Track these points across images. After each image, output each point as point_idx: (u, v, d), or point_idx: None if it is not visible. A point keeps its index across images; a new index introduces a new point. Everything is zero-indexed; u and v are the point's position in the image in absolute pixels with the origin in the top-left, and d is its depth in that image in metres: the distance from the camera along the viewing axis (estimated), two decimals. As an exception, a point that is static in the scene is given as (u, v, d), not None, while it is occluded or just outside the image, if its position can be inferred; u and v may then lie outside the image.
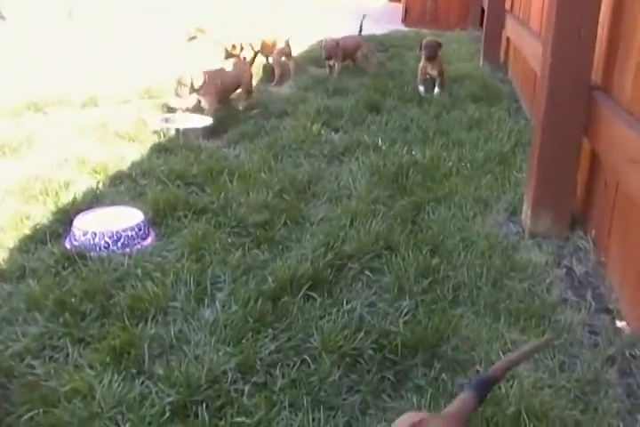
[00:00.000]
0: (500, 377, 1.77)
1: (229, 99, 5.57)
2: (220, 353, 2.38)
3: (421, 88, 6.10)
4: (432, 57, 6.09)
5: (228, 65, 5.61)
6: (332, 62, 6.81)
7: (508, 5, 7.35)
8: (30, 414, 2.11)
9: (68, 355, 2.40)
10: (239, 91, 5.62)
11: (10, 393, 2.21)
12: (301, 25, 9.41)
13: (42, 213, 3.50)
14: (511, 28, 6.77)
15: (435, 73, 6.10)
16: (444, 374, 2.30)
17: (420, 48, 6.20)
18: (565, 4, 3.13)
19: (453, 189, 3.78)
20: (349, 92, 6.02)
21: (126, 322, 2.55)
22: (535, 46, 4.59)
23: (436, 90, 6.08)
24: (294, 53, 7.18)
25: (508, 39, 7.16)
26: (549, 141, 3.29)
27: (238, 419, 2.11)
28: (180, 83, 5.08)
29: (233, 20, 8.80)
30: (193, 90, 5.11)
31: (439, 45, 6.15)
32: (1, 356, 2.37)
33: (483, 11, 9.03)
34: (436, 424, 1.57)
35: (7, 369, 2.30)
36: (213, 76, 5.22)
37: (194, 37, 6.96)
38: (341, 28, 9.68)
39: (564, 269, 3.00)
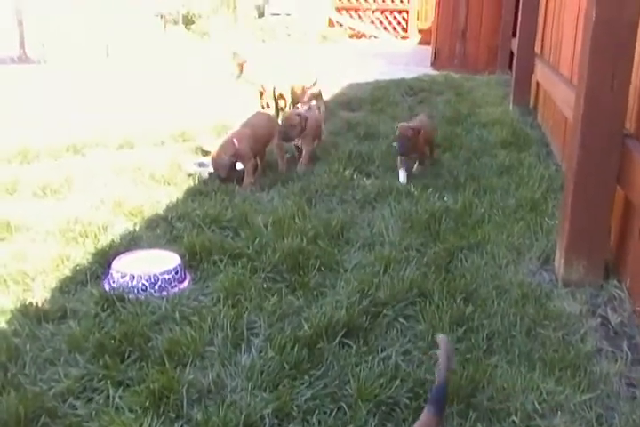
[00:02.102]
0: (447, 383, 1.92)
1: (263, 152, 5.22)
2: (257, 399, 2.41)
3: (402, 175, 4.91)
4: (406, 152, 4.88)
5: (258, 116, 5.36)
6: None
7: (537, 49, 7.42)
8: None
9: (108, 397, 2.45)
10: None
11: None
12: (332, 69, 9.58)
13: (82, 255, 3.59)
14: (541, 73, 6.83)
15: (417, 158, 5.14)
16: (479, 425, 2.30)
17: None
18: (599, 52, 3.17)
19: (486, 237, 3.80)
20: (380, 137, 6.10)
21: (165, 366, 2.60)
22: (566, 92, 4.64)
23: (417, 166, 5.14)
24: (327, 97, 7.32)
25: (537, 83, 7.23)
26: (582, 189, 3.30)
27: (277, 466, 2.13)
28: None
29: (268, 63, 8.98)
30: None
31: (417, 132, 4.89)
32: (45, 396, 2.42)
33: (511, 54, 9.15)
34: None
35: (51, 409, 2.35)
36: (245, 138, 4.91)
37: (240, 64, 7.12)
38: (370, 72, 9.91)
39: (599, 319, 2.99)
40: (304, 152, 5.31)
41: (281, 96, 7.05)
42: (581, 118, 3.28)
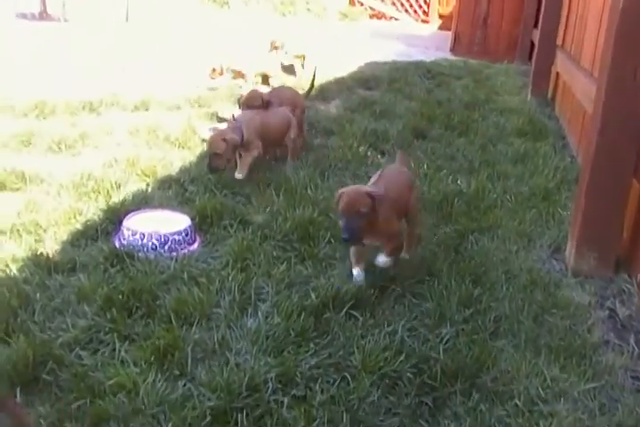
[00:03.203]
0: None
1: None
2: (261, 363, 2.42)
3: (357, 274, 3.05)
4: (354, 238, 2.84)
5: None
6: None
7: (559, 41, 7.35)
8: (78, 402, 2.18)
9: (114, 350, 2.47)
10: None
11: (60, 380, 2.28)
12: (350, 47, 9.51)
13: (93, 211, 3.59)
14: (561, 64, 6.77)
15: (379, 241, 3.00)
16: (482, 405, 2.31)
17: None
18: (622, 44, 3.14)
19: (497, 222, 3.78)
20: (396, 117, 6.06)
21: (171, 324, 2.60)
22: (586, 84, 4.60)
23: (382, 259, 3.02)
24: (345, 74, 7.30)
25: (557, 75, 7.17)
26: (598, 181, 3.29)
27: (278, 430, 2.14)
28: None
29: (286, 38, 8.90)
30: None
31: (379, 201, 2.83)
32: (52, 344, 2.44)
33: (532, 45, 9.06)
34: None
35: (58, 357, 2.38)
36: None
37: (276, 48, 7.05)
38: (388, 52, 9.85)
39: (607, 311, 2.98)
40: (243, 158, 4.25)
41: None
42: (602, 110, 3.25)
